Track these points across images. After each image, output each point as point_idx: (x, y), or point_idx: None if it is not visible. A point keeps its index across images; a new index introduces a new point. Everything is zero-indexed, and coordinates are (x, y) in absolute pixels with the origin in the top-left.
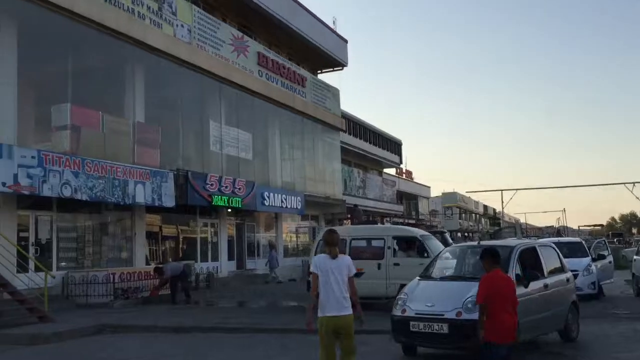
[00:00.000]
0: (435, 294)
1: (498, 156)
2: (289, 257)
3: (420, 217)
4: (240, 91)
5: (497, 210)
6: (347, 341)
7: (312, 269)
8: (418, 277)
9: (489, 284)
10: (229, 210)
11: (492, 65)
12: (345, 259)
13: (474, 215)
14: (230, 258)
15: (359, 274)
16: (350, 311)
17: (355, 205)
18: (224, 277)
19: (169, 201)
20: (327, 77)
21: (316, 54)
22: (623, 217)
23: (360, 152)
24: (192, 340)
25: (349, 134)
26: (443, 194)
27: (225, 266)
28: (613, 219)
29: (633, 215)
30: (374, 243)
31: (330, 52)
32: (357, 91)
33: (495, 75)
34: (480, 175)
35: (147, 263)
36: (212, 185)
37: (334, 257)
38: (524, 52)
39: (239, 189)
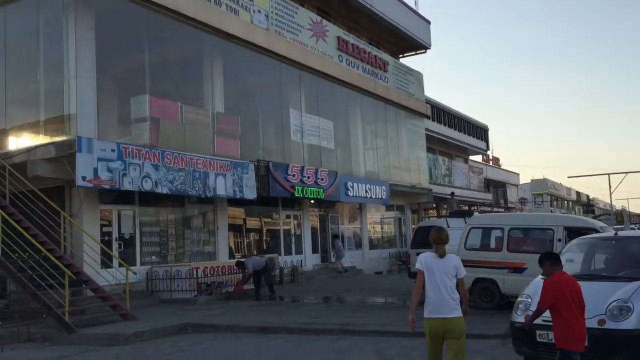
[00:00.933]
0: None
1: (589, 140)
2: (374, 249)
3: (509, 205)
4: (320, 78)
5: (590, 197)
6: (457, 346)
7: (417, 266)
8: (541, 276)
9: (556, 287)
10: (312, 201)
11: (581, 44)
12: (453, 259)
13: (566, 202)
14: (314, 251)
15: (520, 270)
16: (460, 313)
17: (452, 194)
18: (308, 270)
19: (250, 193)
20: (410, 61)
21: (398, 36)
22: None
23: (445, 139)
24: (279, 342)
25: (433, 120)
26: (532, 180)
27: (309, 259)
28: None
29: None
30: (539, 234)
31: (412, 34)
32: (441, 75)
33: (584, 53)
34: (570, 161)
35: (232, 256)
36: (294, 175)
37: (441, 256)
38: (620, 27)
39: (322, 179)
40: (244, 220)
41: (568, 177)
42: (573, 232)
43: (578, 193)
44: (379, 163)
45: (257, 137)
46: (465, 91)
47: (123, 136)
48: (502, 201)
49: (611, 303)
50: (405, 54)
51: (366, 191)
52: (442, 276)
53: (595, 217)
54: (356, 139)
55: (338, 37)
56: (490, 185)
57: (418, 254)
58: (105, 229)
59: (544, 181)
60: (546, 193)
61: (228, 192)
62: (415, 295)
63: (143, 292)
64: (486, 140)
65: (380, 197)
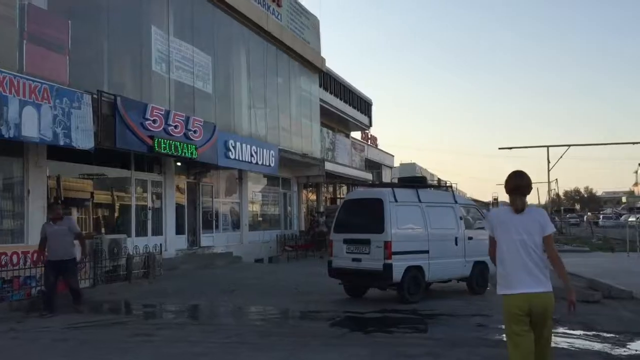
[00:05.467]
0: None
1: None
2: (254, 230)
3: None
4: None
5: (448, 184)
6: (542, 329)
7: (486, 227)
8: None
9: None
10: (179, 163)
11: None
12: (536, 214)
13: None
14: (179, 232)
15: None
16: (549, 287)
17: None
18: (170, 257)
19: (85, 140)
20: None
21: None
22: (567, 194)
23: (330, 108)
24: None
25: (319, 85)
26: (401, 164)
27: (172, 243)
28: (557, 194)
29: (576, 191)
30: None
31: None
32: (328, 33)
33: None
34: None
35: None
36: (154, 122)
37: (519, 210)
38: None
39: (195, 131)
40: (92, 193)
41: (499, 148)
42: None
43: (439, 180)
44: (268, 121)
45: (99, 58)
46: (347, 56)
47: None
48: (377, 183)
49: None
50: None
51: (251, 155)
52: (523, 236)
53: None
54: (240, 87)
55: None
56: (367, 165)
57: (345, 240)
58: None
59: (413, 165)
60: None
61: (44, 133)
62: (495, 262)
63: None
64: (369, 116)
65: (267, 164)
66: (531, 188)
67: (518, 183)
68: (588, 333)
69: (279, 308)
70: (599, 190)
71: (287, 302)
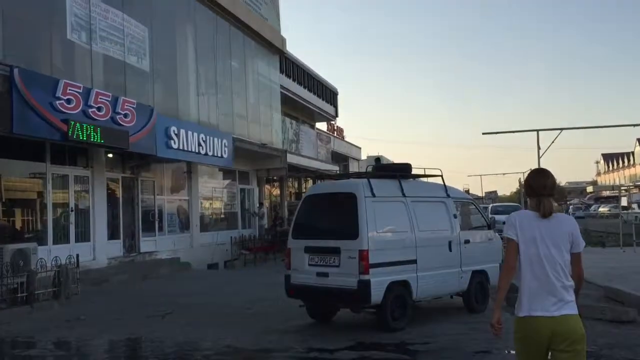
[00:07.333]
0: None
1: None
2: (207, 231)
3: None
4: None
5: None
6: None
7: (506, 232)
8: None
9: None
10: (110, 155)
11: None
12: (565, 221)
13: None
14: (112, 236)
15: None
16: (575, 310)
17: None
18: (100, 268)
19: None
20: None
21: None
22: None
23: (294, 97)
24: None
25: (280, 72)
26: (368, 157)
27: (102, 250)
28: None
29: None
30: None
31: None
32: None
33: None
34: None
35: None
36: (68, 101)
37: (545, 214)
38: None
39: (125, 115)
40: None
41: (483, 133)
42: None
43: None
44: (220, 107)
45: None
46: (309, 43)
47: None
48: (346, 173)
49: None
50: None
51: (199, 144)
52: (550, 248)
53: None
54: (186, 66)
55: None
56: (333, 157)
57: (308, 248)
58: None
59: (379, 159)
60: None
61: None
62: (504, 277)
63: None
64: (335, 106)
65: (219, 154)
66: (554, 189)
67: (544, 182)
68: None
69: (219, 345)
70: (562, 181)
71: (233, 333)
